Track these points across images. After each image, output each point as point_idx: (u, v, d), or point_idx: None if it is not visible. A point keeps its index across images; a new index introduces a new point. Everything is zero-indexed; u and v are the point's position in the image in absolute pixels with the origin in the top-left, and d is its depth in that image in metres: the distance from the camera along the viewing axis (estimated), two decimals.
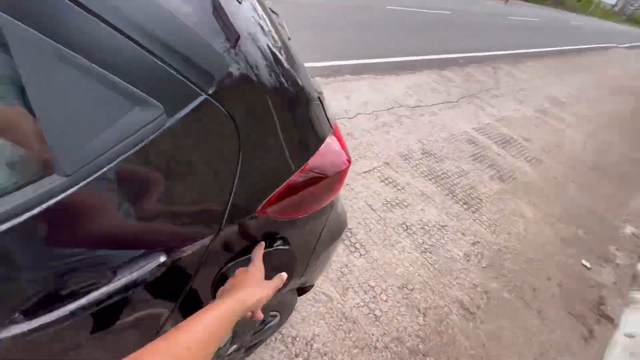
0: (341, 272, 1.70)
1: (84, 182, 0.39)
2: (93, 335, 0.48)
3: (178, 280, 0.56)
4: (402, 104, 3.63)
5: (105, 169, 0.39)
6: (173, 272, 0.53)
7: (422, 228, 2.12)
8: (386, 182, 2.41)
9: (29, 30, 0.31)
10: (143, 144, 0.41)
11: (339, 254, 1.78)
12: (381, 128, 3.05)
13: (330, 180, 0.72)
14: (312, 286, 1.21)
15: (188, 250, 0.52)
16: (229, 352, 1.06)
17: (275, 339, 1.37)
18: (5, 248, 0.37)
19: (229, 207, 0.54)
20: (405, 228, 2.08)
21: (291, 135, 0.59)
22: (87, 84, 0.36)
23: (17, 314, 0.39)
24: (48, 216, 0.38)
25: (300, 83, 0.60)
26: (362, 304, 1.59)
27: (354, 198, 2.18)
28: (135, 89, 0.38)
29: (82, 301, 0.43)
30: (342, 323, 1.49)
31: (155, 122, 0.41)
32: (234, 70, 0.46)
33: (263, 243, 0.66)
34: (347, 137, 2.77)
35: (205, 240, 0.54)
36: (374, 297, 1.64)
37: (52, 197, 0.37)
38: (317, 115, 0.66)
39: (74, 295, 0.42)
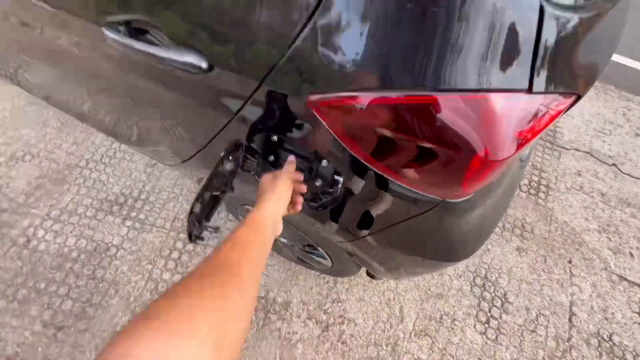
0: (442, 319, 1.27)
1: None
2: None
3: (217, 99, 0.58)
4: None
5: None
6: (210, 88, 0.55)
7: None
8: None
9: None
10: None
11: (461, 305, 1.30)
12: None
13: (440, 154, 0.44)
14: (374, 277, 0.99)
15: (231, 80, 0.52)
16: (283, 243, 1.13)
17: (327, 282, 1.31)
18: None
19: (280, 62, 0.45)
20: None
21: (419, 42, 0.38)
22: None
23: None
24: None
25: None
26: None
27: (558, 285, 1.39)
28: None
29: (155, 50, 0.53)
30: (384, 347, 1.19)
31: None
32: None
33: (293, 158, 0.57)
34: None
35: (244, 86, 0.51)
36: None
37: None
38: (507, 46, 0.37)
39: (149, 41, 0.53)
